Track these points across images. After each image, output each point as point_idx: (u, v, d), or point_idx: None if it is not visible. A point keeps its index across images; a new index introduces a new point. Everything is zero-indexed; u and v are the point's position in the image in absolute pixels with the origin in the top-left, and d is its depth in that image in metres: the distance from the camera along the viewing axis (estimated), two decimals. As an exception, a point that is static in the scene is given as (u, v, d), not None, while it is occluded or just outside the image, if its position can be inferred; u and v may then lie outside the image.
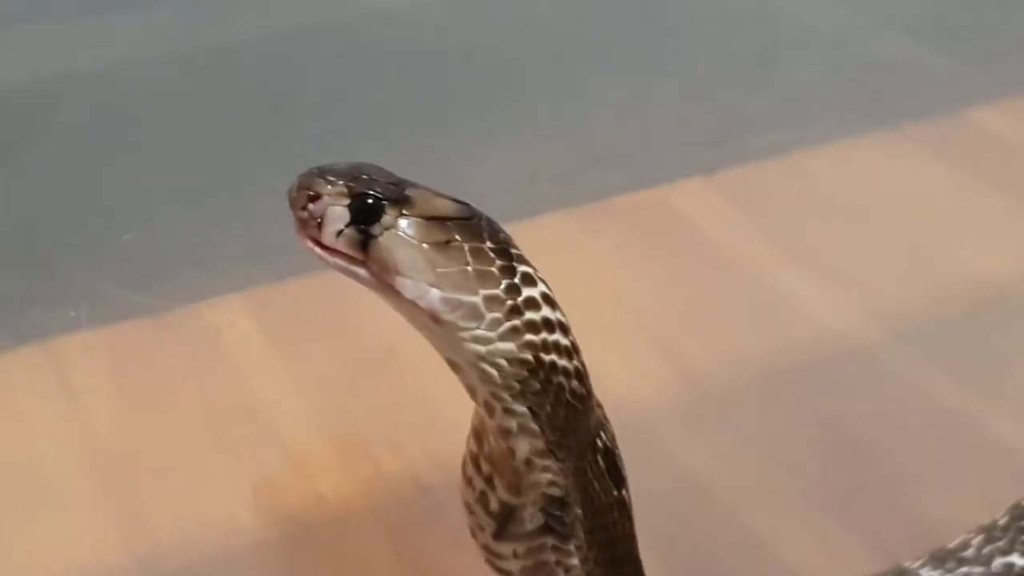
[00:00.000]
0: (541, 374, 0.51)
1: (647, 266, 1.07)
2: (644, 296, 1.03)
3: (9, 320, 0.95)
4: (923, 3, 1.33)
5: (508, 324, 0.50)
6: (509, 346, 0.50)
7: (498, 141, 1.11)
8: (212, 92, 1.08)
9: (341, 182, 0.50)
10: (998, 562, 0.70)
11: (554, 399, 0.52)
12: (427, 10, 1.18)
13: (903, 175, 1.17)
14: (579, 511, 0.56)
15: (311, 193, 0.50)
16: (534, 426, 0.52)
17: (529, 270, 0.51)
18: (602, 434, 0.56)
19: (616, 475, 0.57)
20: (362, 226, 0.49)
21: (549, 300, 0.51)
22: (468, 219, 0.51)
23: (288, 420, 0.90)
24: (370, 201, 0.49)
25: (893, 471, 0.86)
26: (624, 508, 0.59)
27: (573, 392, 0.52)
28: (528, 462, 0.53)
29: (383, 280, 0.49)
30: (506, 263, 0.51)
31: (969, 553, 0.71)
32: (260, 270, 1.02)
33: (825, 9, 1.34)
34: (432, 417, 0.88)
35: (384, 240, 0.49)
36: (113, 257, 0.99)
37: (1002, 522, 0.72)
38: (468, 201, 0.52)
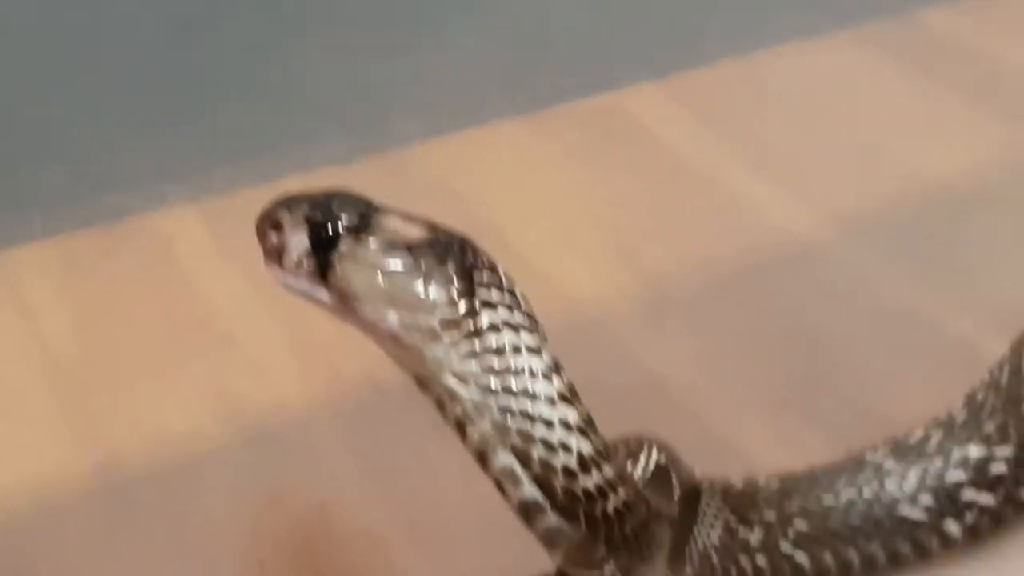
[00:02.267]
0: (502, 398, 0.52)
1: (602, 171, 1.07)
2: (600, 200, 1.04)
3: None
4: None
5: (466, 347, 0.51)
6: (469, 368, 0.52)
7: (447, 47, 1.10)
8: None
9: (301, 212, 0.52)
10: (956, 455, 0.72)
11: None
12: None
13: (858, 76, 1.18)
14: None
15: (274, 222, 0.52)
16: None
17: (493, 295, 0.52)
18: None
19: None
20: (321, 254, 0.51)
21: (512, 325, 0.52)
22: (433, 243, 0.52)
23: (246, 328, 0.90)
24: (328, 230, 0.51)
25: (849, 365, 0.86)
26: None
27: None
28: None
29: (345, 305, 0.52)
30: (466, 286, 0.52)
31: (929, 446, 0.72)
32: (213, 180, 1.02)
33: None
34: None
35: (341, 268, 0.51)
36: (64, 167, 0.98)
37: (960, 416, 0.74)
38: (435, 223, 0.53)
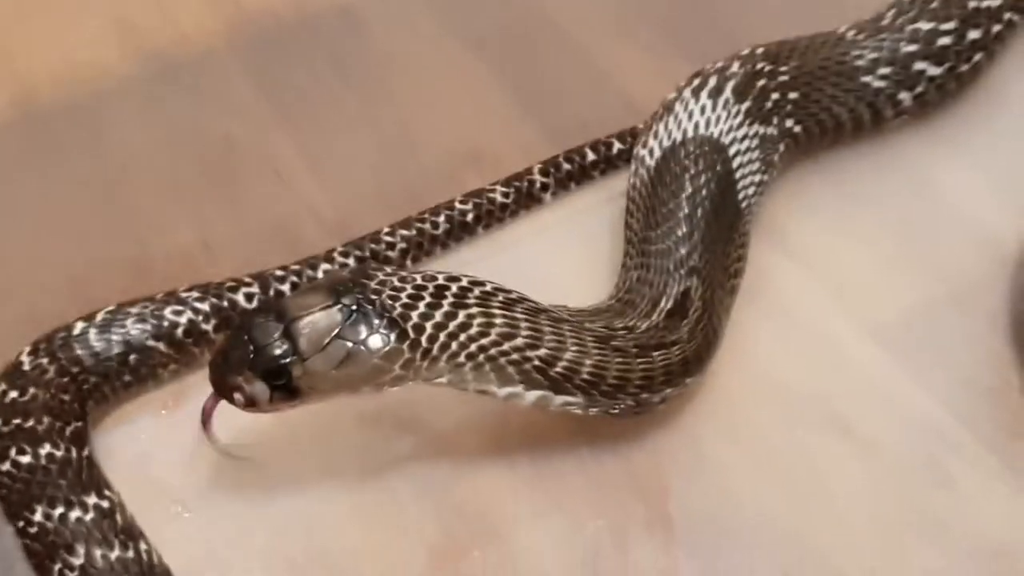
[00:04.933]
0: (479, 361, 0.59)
1: None
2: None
3: None
4: None
5: (428, 360, 0.58)
6: (443, 367, 0.59)
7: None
8: None
9: (243, 371, 0.57)
10: (909, 28, 0.77)
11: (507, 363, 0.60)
12: None
13: None
14: None
15: (231, 390, 0.58)
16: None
17: (415, 316, 0.58)
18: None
19: None
20: (282, 384, 0.57)
21: (441, 325, 0.59)
22: (341, 303, 0.58)
23: None
24: (276, 374, 0.57)
25: (730, 6, 0.88)
26: None
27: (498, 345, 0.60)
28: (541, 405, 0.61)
29: (327, 400, 0.59)
30: (390, 322, 0.58)
31: (884, 22, 0.77)
32: None
33: None
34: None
35: (306, 389, 0.58)
36: None
37: None
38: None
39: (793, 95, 0.75)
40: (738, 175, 0.71)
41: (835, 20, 0.79)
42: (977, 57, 0.79)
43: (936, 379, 0.68)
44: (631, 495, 0.64)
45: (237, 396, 0.58)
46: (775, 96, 0.74)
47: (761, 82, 0.74)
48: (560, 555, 0.63)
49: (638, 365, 0.62)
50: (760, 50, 0.76)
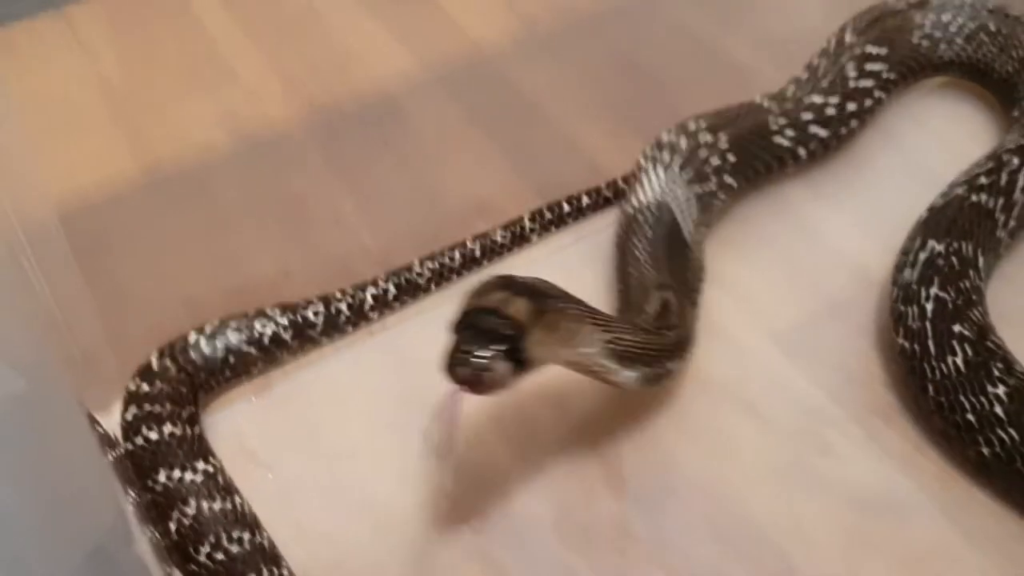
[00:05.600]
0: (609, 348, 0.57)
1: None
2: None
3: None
4: None
5: (610, 337, 0.57)
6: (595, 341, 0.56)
7: None
8: None
9: (488, 352, 0.51)
10: (806, 100, 0.77)
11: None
12: None
13: None
14: None
15: (479, 371, 0.50)
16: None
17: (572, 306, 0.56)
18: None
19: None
20: (518, 359, 0.52)
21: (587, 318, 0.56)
22: (549, 299, 0.54)
23: (244, 62, 0.89)
24: (512, 346, 0.51)
25: (671, 94, 0.87)
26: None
27: None
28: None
29: (542, 367, 0.54)
30: (583, 309, 0.56)
31: (788, 95, 0.78)
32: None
33: None
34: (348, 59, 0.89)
35: (532, 360, 0.52)
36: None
37: (804, 76, 0.79)
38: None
39: (731, 157, 0.74)
40: (681, 223, 0.70)
41: (750, 90, 0.79)
42: (854, 124, 0.79)
43: (818, 372, 0.67)
44: (595, 463, 0.63)
45: (487, 376, 0.51)
46: (716, 162, 0.73)
47: (703, 153, 0.73)
48: (539, 505, 0.61)
49: (659, 340, 0.61)
50: (703, 123, 0.75)
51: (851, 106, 0.78)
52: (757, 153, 0.75)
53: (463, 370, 0.50)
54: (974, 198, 0.69)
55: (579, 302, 0.57)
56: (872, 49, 0.80)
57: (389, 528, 0.60)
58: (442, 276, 0.72)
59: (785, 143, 0.76)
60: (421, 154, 0.82)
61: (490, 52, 0.90)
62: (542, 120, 0.84)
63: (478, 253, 0.74)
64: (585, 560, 0.59)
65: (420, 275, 0.72)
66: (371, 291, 0.70)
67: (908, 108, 0.83)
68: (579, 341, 0.56)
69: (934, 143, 0.81)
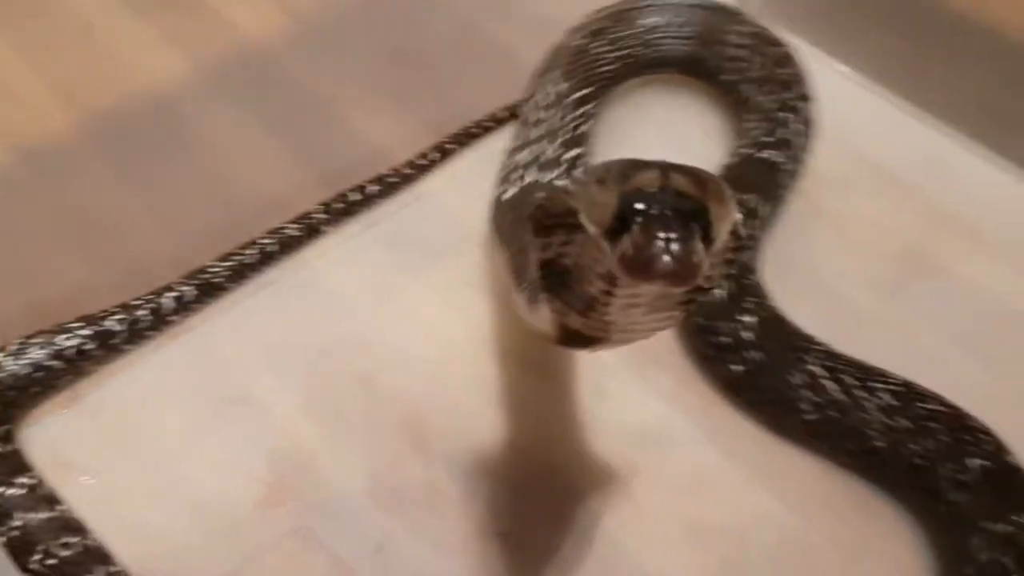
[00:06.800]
0: None
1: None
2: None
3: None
4: None
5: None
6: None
7: None
8: None
9: (693, 245, 0.43)
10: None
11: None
12: None
13: None
14: None
15: (687, 258, 0.43)
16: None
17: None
18: None
19: None
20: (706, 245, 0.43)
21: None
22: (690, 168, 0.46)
23: (18, 79, 0.87)
24: (703, 231, 0.43)
25: (443, 78, 0.90)
26: None
27: None
28: None
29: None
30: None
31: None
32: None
33: None
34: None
35: (719, 232, 0.45)
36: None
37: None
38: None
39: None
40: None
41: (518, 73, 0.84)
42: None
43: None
44: (402, 432, 0.69)
45: (697, 259, 0.43)
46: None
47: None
48: (351, 477, 0.67)
49: None
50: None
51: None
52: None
53: (667, 262, 0.43)
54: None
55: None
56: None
57: (212, 517, 0.64)
58: (241, 274, 0.76)
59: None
60: (208, 155, 0.84)
61: (264, 48, 0.91)
62: (323, 112, 0.87)
63: (275, 248, 0.77)
64: (400, 522, 0.64)
65: (218, 274, 0.75)
66: (171, 295, 0.73)
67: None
68: (733, 209, 0.47)
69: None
